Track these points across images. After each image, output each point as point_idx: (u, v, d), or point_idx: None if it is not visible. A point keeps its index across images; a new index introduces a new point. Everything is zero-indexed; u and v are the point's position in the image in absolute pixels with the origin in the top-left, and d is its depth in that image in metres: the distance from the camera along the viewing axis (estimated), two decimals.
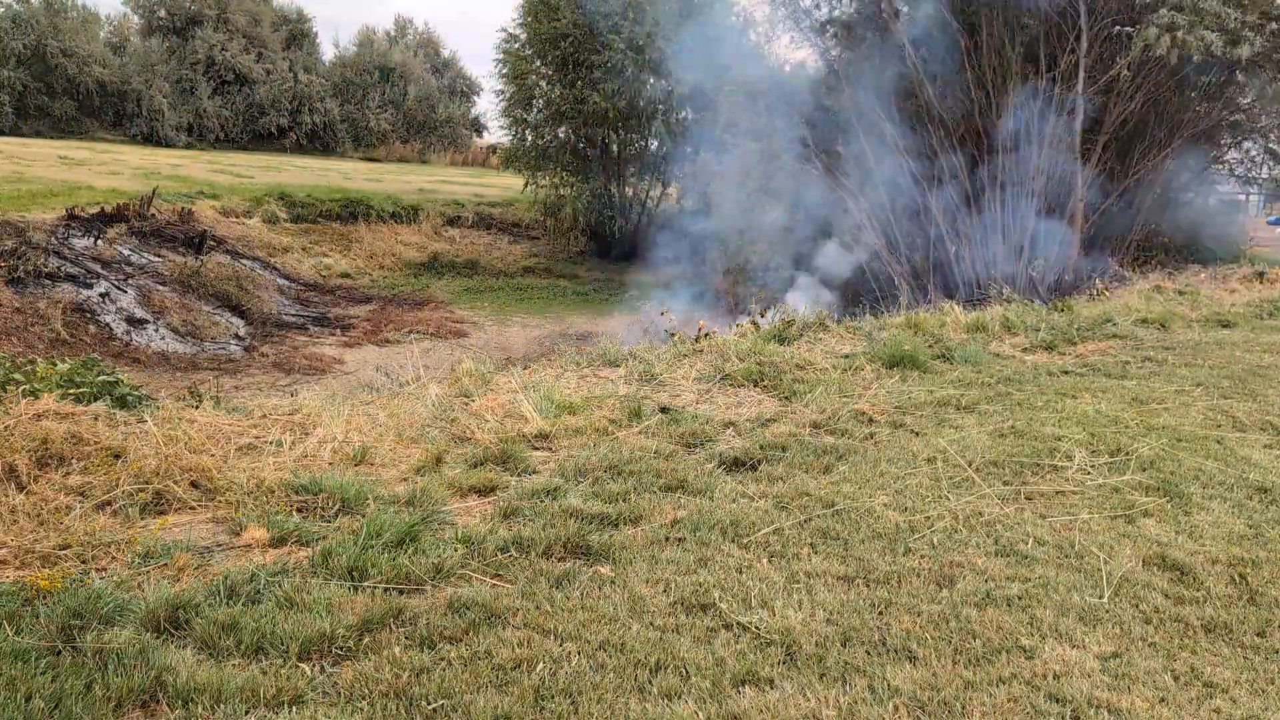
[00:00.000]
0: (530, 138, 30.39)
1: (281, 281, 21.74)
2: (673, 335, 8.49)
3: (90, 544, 3.65)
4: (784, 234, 19.84)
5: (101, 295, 16.30)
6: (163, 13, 45.68)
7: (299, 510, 4.13)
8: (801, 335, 8.59)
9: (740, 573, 3.62)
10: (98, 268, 17.22)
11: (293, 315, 19.72)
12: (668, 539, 3.92)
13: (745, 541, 3.92)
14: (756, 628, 3.19)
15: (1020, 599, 3.47)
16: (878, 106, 15.95)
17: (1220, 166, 18.43)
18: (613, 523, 4.08)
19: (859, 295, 16.75)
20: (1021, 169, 15.09)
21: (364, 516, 3.97)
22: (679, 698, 2.79)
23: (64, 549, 3.61)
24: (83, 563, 3.55)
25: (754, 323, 9.16)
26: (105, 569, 3.52)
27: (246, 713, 2.65)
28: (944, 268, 16.01)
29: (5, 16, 39.91)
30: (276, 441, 4.88)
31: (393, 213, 28.54)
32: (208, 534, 3.92)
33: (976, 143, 15.47)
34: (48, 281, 15.92)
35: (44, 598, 3.19)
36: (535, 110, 30.06)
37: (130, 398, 5.11)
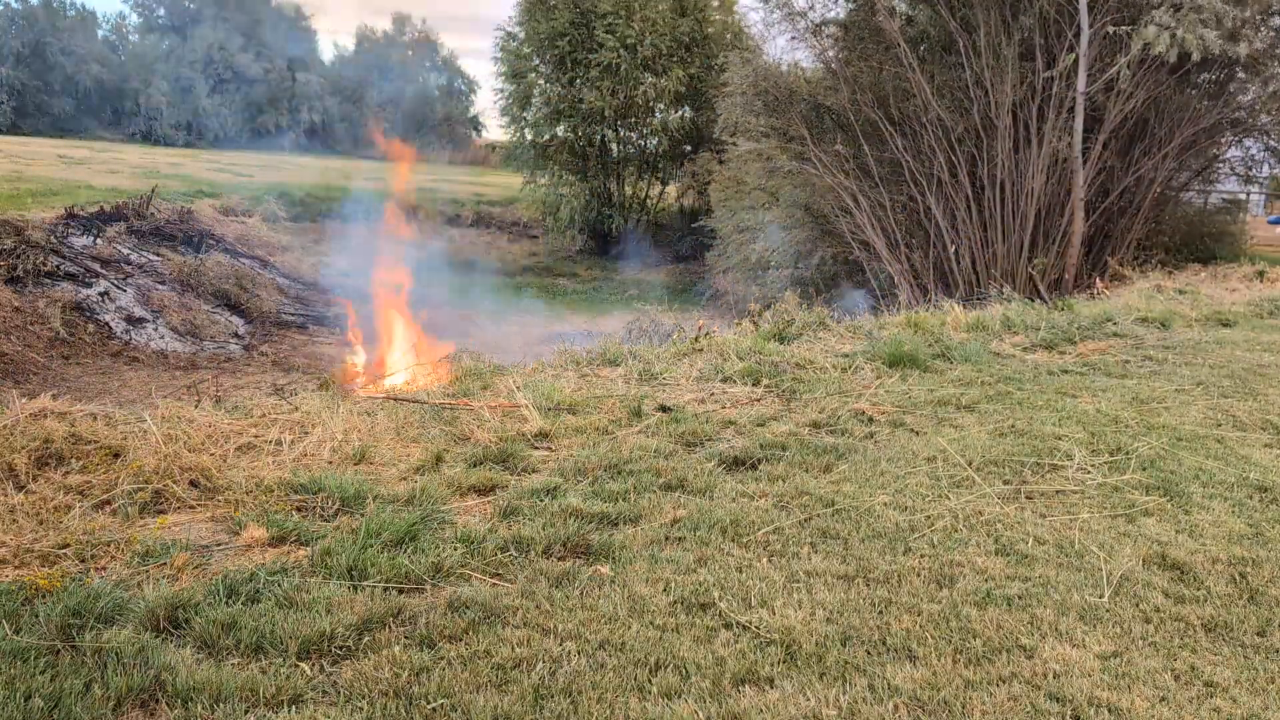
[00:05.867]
0: (529, 136, 30.40)
1: (281, 280, 21.74)
2: (672, 334, 8.48)
3: (89, 543, 3.65)
4: (783, 233, 19.84)
5: (101, 294, 16.29)
6: (161, 11, 45.65)
7: (298, 509, 4.13)
8: (801, 334, 8.58)
9: (740, 572, 3.61)
10: (97, 266, 17.21)
11: (292, 314, 19.71)
12: (667, 538, 3.92)
13: (745, 541, 3.91)
14: (756, 627, 3.19)
15: (1020, 598, 3.47)
16: (875, 106, 15.93)
17: (1221, 165, 18.40)
18: (612, 522, 4.07)
19: (859, 294, 16.76)
20: (1021, 167, 15.08)
21: (363, 516, 3.97)
22: (679, 697, 2.79)
23: (63, 548, 3.60)
24: (82, 562, 3.55)
25: (754, 322, 9.16)
26: (104, 568, 3.52)
27: (246, 712, 2.65)
28: (944, 267, 16.00)
29: (3, 15, 39.90)
30: (276, 441, 4.88)
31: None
32: (207, 533, 3.91)
33: (975, 141, 15.45)
34: (47, 280, 15.91)
35: (43, 597, 3.19)
36: (534, 109, 30.08)
37: None
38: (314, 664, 2.91)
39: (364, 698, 2.73)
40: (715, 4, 30.13)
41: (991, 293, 12.39)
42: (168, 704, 2.67)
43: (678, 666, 2.94)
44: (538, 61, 29.71)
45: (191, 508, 4.14)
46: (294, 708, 2.68)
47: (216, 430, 4.88)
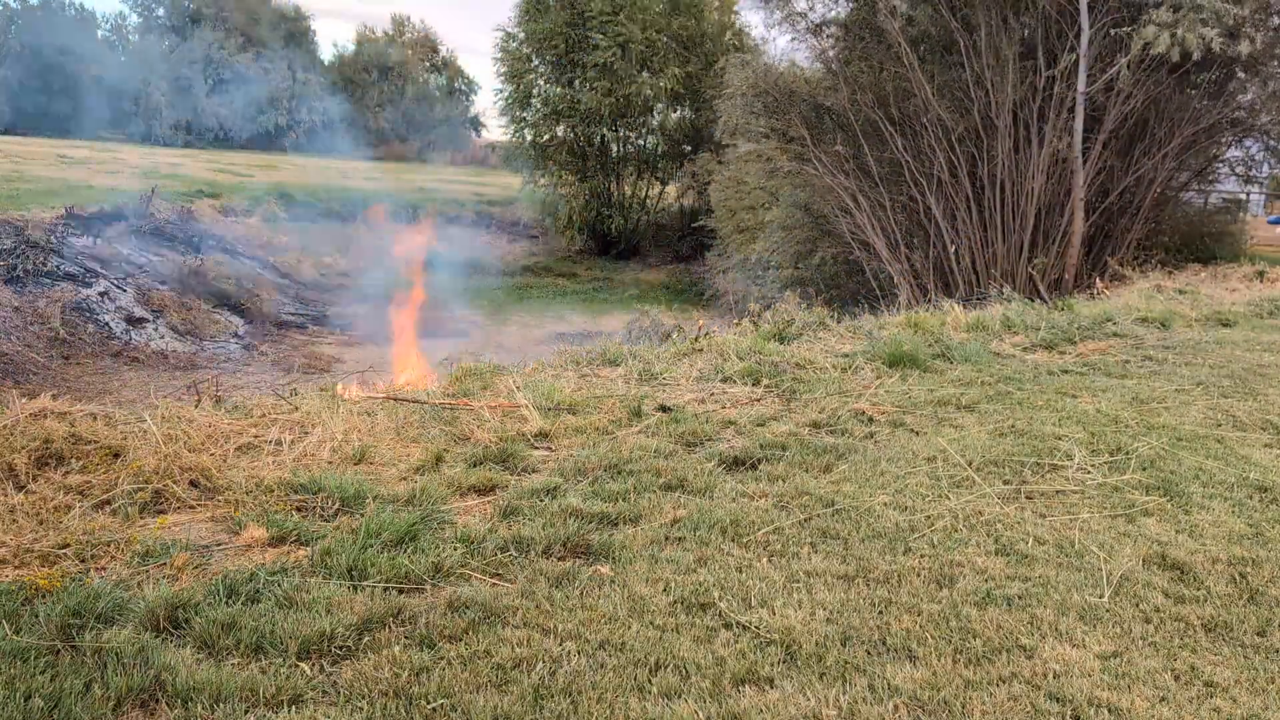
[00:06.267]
0: (529, 136, 30.40)
1: (281, 280, 21.74)
2: (672, 334, 8.48)
3: (90, 543, 3.65)
4: (783, 233, 19.83)
5: (100, 294, 16.29)
6: (161, 11, 45.65)
7: (298, 509, 4.13)
8: (801, 334, 8.58)
9: (740, 572, 3.61)
10: (97, 266, 17.20)
11: (292, 314, 19.71)
12: (667, 538, 3.92)
13: (745, 541, 3.91)
14: (756, 627, 3.19)
15: (1020, 598, 3.47)
16: (876, 106, 15.93)
17: (1220, 165, 18.40)
18: (612, 522, 4.07)
19: (858, 294, 16.76)
20: (1021, 167, 15.08)
21: (363, 516, 3.97)
22: (679, 697, 2.79)
23: (63, 548, 3.60)
24: (82, 562, 3.55)
25: (754, 322, 9.16)
26: (105, 568, 3.52)
27: (246, 712, 2.65)
28: (944, 267, 16.00)
29: (3, 15, 39.90)
30: (276, 441, 4.88)
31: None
32: (207, 533, 3.91)
33: (976, 141, 15.45)
34: (47, 280, 15.90)
35: (43, 597, 3.19)
36: (534, 109, 30.08)
37: None
38: (314, 664, 2.91)
39: (364, 698, 2.73)
40: (715, 3, 30.14)
41: (991, 293, 12.39)
42: (168, 704, 2.67)
43: (678, 666, 2.94)
44: (536, 62, 29.72)
45: (191, 508, 4.14)
46: (294, 708, 2.68)
47: (216, 430, 4.88)
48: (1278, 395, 6.71)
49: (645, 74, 28.03)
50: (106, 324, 15.60)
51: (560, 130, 29.77)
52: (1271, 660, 3.13)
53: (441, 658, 2.94)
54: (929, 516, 4.22)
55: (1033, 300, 11.68)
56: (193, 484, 4.30)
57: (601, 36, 27.00)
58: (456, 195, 31.63)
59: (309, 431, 5.03)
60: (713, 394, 6.44)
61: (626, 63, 27.22)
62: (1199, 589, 3.61)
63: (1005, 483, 4.72)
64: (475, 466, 4.79)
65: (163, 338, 16.03)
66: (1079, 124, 14.18)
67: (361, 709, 2.67)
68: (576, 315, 22.70)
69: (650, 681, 2.86)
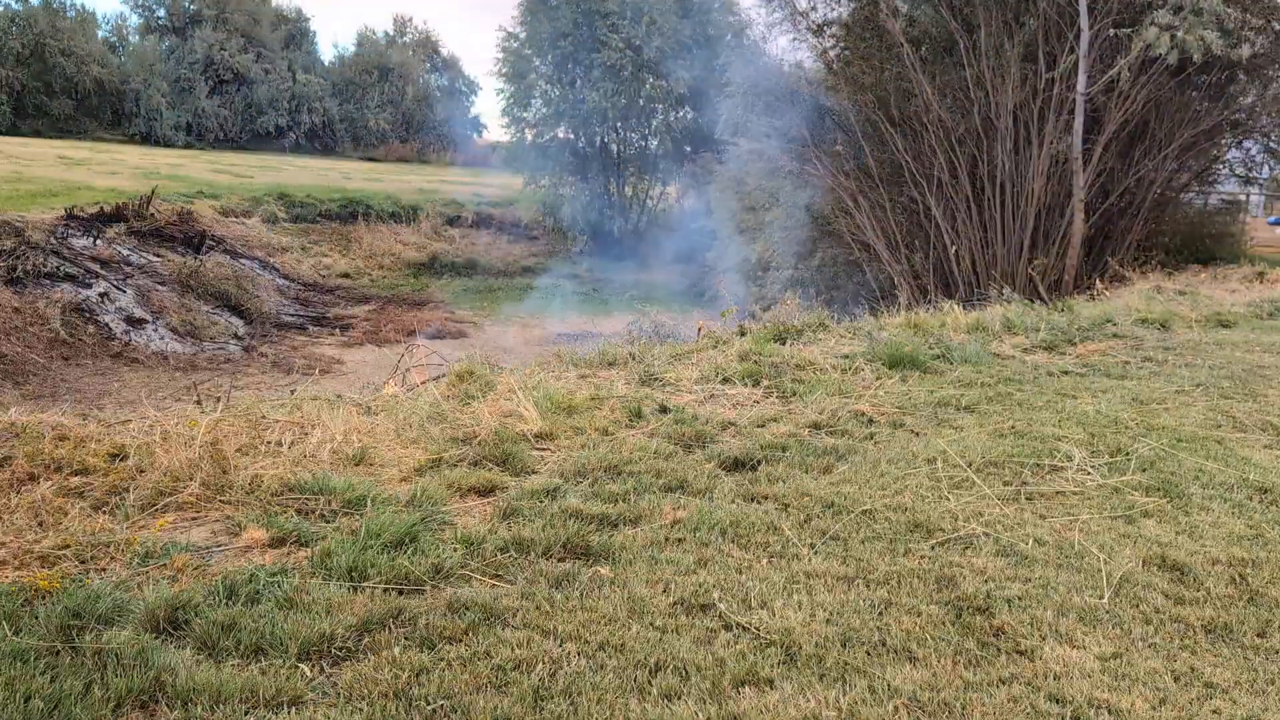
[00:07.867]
0: (530, 137, 30.40)
1: (281, 281, 21.73)
2: (672, 335, 8.49)
3: (90, 544, 3.64)
4: (783, 233, 19.84)
5: (100, 295, 16.29)
6: (161, 12, 45.63)
7: (298, 511, 4.12)
8: (801, 335, 8.59)
9: (740, 573, 3.61)
10: (97, 267, 17.20)
11: (292, 315, 19.71)
12: (667, 539, 3.92)
13: (745, 542, 3.91)
14: (756, 628, 3.19)
15: (1020, 599, 3.47)
16: (876, 106, 15.94)
17: (1221, 166, 18.41)
18: (612, 523, 4.07)
19: (859, 294, 16.77)
20: (1022, 169, 15.09)
21: (363, 517, 3.97)
22: (679, 698, 2.79)
23: (63, 549, 3.60)
24: (82, 563, 3.55)
25: (741, 331, 9.15)
26: (104, 569, 3.51)
27: (246, 713, 2.65)
28: (944, 268, 16.00)
29: (4, 16, 39.86)
30: (276, 441, 4.87)
31: (392, 212, 28.51)
32: (207, 534, 3.91)
33: (976, 142, 15.45)
34: (47, 281, 15.90)
35: (43, 598, 3.19)
36: (535, 109, 30.08)
37: None
38: (314, 665, 2.90)
39: (364, 699, 2.73)
40: (716, 5, 30.17)
41: (991, 294, 12.39)
42: (167, 705, 2.67)
43: (678, 668, 2.94)
44: (539, 62, 29.73)
45: (191, 509, 4.14)
46: (294, 709, 2.68)
47: (217, 431, 4.88)
48: (1277, 396, 6.71)
49: (652, 76, 28.04)
50: (106, 325, 15.60)
51: (562, 131, 29.78)
52: (1271, 661, 3.13)
53: (441, 659, 2.94)
54: (929, 517, 4.22)
55: (1033, 301, 11.69)
56: (193, 485, 4.29)
57: (613, 36, 26.97)
58: (457, 196, 31.61)
59: (309, 432, 5.03)
60: (713, 395, 6.44)
61: (637, 64, 27.22)
62: (1199, 590, 3.61)
63: (1005, 484, 4.72)
64: (475, 467, 4.79)
65: (162, 339, 16.04)
66: (1079, 125, 14.19)
67: (361, 710, 2.67)
68: (577, 315, 22.69)
69: (650, 683, 2.86)
